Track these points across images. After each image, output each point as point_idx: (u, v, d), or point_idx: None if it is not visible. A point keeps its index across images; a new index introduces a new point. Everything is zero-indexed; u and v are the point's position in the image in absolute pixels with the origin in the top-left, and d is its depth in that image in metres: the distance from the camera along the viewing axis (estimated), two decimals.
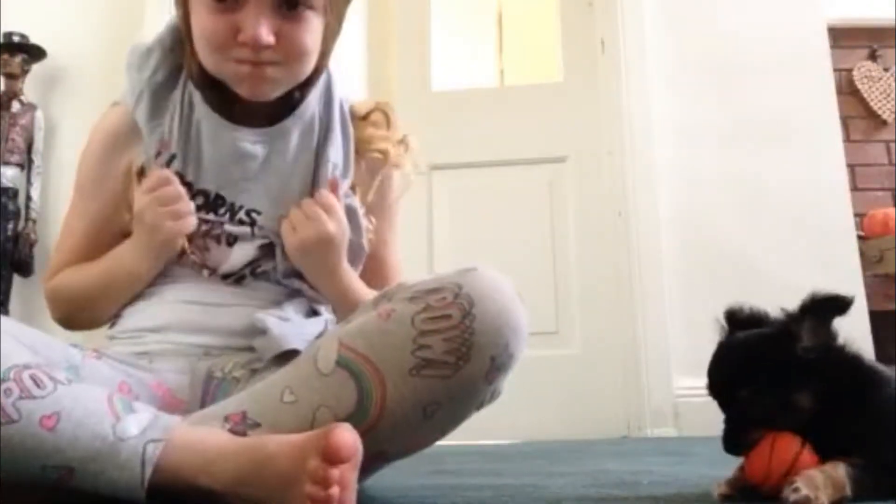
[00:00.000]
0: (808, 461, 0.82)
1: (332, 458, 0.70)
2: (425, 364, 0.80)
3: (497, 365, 0.82)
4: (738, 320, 0.92)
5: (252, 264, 1.00)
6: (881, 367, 0.89)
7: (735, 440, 0.86)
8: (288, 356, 0.90)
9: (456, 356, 0.80)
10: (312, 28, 0.95)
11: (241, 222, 1.00)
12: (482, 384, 0.83)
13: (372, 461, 0.85)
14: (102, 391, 0.78)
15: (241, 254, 1.00)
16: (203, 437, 0.77)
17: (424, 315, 0.81)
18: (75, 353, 0.91)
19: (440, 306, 0.81)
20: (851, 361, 0.87)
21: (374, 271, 1.08)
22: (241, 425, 0.80)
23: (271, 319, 0.95)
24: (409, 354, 0.80)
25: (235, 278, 1.00)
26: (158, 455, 0.73)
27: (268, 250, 1.01)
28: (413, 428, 0.83)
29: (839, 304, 0.84)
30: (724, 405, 0.89)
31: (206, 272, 1.00)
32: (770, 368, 0.85)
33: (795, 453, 0.82)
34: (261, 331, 0.95)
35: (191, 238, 0.99)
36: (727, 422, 0.87)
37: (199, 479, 0.75)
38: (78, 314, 1.05)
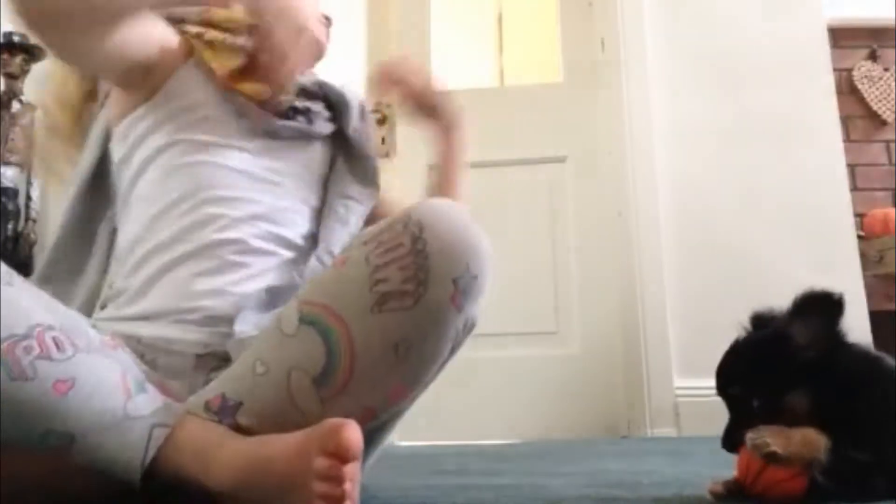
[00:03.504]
0: (766, 483, 0.81)
1: (343, 456, 0.69)
2: (385, 298, 0.78)
3: (462, 288, 0.80)
4: (764, 324, 0.92)
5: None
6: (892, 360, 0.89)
7: (727, 438, 0.87)
8: None
9: (415, 283, 0.78)
10: None
11: None
12: (450, 311, 0.80)
13: (362, 421, 0.83)
14: (118, 366, 0.78)
15: None
16: (207, 433, 0.77)
17: (377, 251, 0.80)
18: (96, 336, 0.88)
19: (391, 238, 0.81)
20: (859, 358, 0.86)
21: None
22: (225, 409, 0.80)
23: (245, 329, 0.93)
24: (368, 292, 0.79)
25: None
26: (162, 442, 0.74)
27: None
28: (389, 371, 0.81)
29: (832, 304, 0.84)
30: (727, 405, 0.89)
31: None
32: (765, 368, 0.86)
33: (752, 471, 0.82)
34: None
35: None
36: (728, 421, 0.88)
37: (197, 478, 0.75)
38: None
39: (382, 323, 0.79)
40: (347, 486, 0.69)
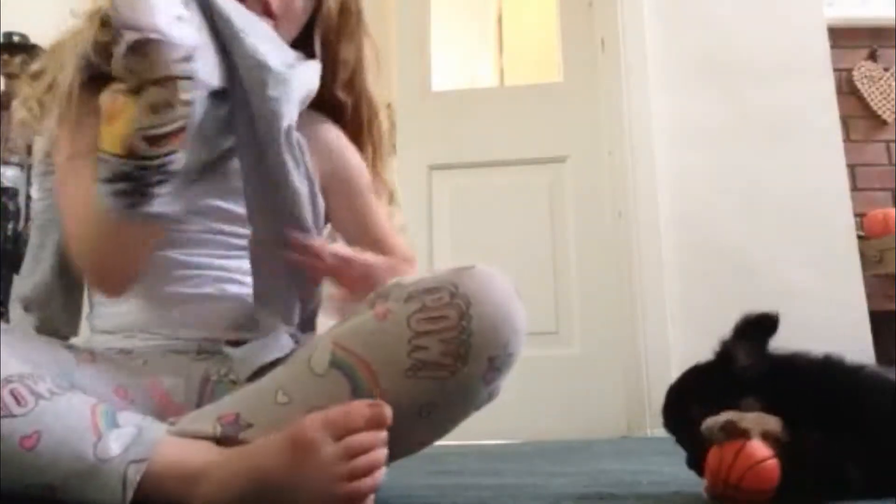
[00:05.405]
0: (740, 470, 0.81)
1: (372, 425, 0.73)
2: (421, 366, 0.79)
3: (496, 365, 0.82)
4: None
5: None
6: (850, 366, 0.89)
7: (692, 459, 0.89)
8: (266, 369, 0.89)
9: (453, 358, 0.79)
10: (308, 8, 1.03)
11: None
12: (480, 385, 0.82)
13: None
14: (87, 403, 0.77)
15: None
16: (187, 455, 0.76)
17: (420, 315, 0.80)
18: (69, 357, 0.89)
19: (436, 306, 0.80)
20: (803, 369, 0.88)
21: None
22: (234, 426, 0.79)
23: (234, 352, 0.94)
24: (405, 356, 0.79)
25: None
26: (140, 477, 0.73)
27: None
28: (410, 429, 0.82)
29: (767, 324, 0.86)
30: (679, 433, 0.92)
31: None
32: (712, 388, 0.88)
33: (725, 463, 0.82)
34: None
35: None
36: (689, 446, 0.89)
37: (183, 496, 0.74)
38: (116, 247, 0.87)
39: (414, 387, 0.80)
40: (380, 451, 0.73)
